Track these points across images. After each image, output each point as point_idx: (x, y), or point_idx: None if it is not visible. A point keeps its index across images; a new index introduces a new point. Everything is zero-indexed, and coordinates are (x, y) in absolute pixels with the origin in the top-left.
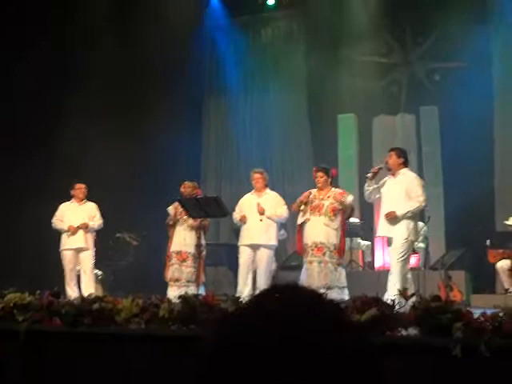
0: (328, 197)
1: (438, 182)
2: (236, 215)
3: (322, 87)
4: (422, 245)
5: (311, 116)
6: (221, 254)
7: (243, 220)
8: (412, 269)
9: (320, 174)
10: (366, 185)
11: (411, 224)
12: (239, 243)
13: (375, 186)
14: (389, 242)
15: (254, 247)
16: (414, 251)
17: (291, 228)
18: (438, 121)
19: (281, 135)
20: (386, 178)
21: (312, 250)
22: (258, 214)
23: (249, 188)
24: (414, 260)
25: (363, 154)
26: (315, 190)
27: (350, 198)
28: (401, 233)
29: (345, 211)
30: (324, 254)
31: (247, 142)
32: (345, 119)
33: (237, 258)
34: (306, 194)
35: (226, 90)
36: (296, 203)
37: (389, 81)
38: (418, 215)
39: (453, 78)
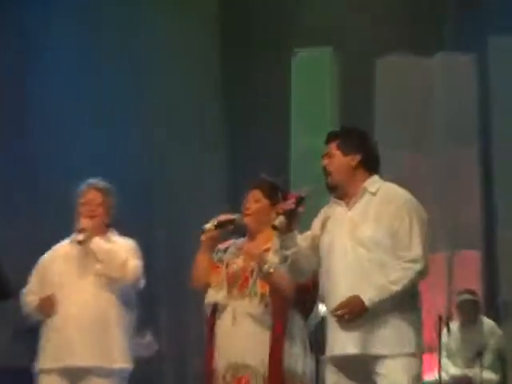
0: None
1: None
2: (29, 297)
3: None
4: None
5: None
6: None
7: (47, 308)
8: None
9: (256, 194)
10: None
11: (411, 333)
12: (40, 366)
13: (292, 250)
14: None
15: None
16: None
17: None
18: None
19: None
20: (327, 209)
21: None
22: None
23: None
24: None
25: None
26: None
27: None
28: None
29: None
30: None
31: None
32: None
33: None
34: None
35: None
36: (198, 268)
37: None
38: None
39: None
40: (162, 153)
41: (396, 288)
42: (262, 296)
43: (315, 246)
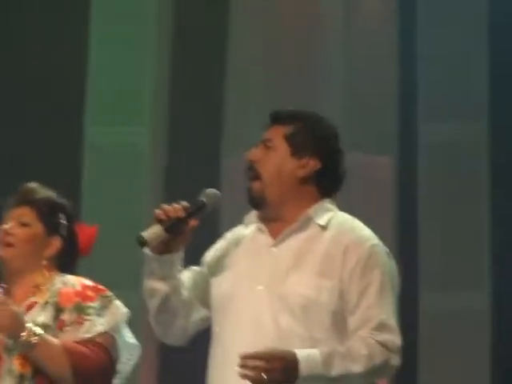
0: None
1: None
2: None
3: None
4: None
5: None
6: None
7: None
8: None
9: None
10: None
11: None
12: None
13: (169, 283)
14: None
15: None
16: None
17: None
18: None
19: None
20: (236, 233)
21: None
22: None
23: None
24: None
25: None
26: None
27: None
28: None
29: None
30: None
31: None
32: None
33: None
34: None
35: None
36: None
37: None
38: None
39: None
40: None
41: (359, 366)
42: (22, 378)
43: (202, 292)
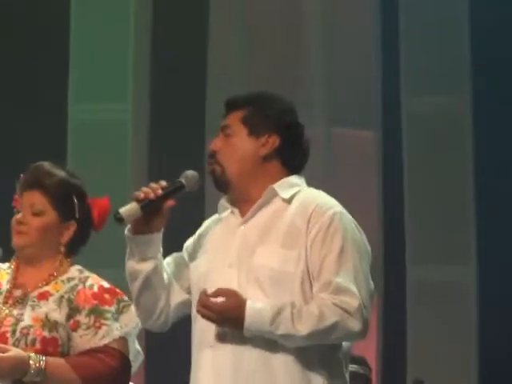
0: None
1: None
2: None
3: None
4: None
5: None
6: None
7: None
8: None
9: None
10: None
11: None
12: None
13: (148, 263)
14: None
15: None
16: None
17: None
18: None
19: None
20: (214, 219)
21: None
22: None
23: None
24: None
25: None
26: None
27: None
28: None
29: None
30: None
31: None
32: None
33: None
34: None
35: None
36: None
37: None
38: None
39: None
40: None
41: (304, 327)
42: None
43: (183, 276)
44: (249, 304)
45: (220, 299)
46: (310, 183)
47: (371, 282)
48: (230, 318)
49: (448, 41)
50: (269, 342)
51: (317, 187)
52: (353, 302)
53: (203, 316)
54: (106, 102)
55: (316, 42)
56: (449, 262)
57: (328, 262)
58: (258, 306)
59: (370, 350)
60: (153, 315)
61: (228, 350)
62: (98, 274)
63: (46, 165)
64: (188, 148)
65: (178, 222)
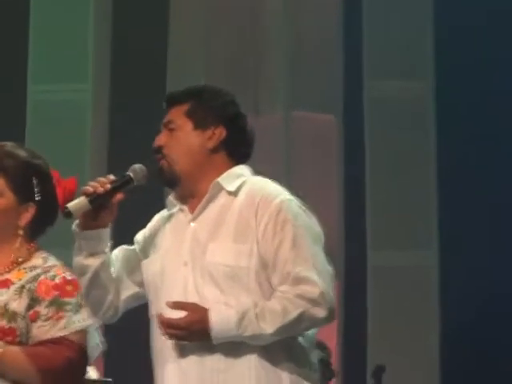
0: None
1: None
2: None
3: None
4: None
5: None
6: None
7: None
8: None
9: None
10: None
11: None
12: None
13: (97, 258)
14: None
15: None
16: None
17: None
18: None
19: None
20: (164, 215)
21: None
22: None
23: None
24: None
25: None
26: None
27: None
28: None
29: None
30: None
31: None
32: None
33: None
34: None
35: None
36: None
37: None
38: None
39: None
40: None
41: (269, 325)
42: None
43: (133, 269)
44: (212, 313)
45: (182, 313)
46: (270, 167)
47: (329, 265)
48: (196, 331)
49: (410, 25)
50: (232, 342)
51: (278, 171)
52: (314, 290)
53: (171, 337)
54: (65, 83)
55: (277, 25)
56: (411, 247)
57: (282, 251)
58: (222, 313)
59: (331, 335)
60: (102, 308)
61: (192, 354)
62: (57, 255)
63: (8, 145)
64: (148, 127)
65: (139, 213)
